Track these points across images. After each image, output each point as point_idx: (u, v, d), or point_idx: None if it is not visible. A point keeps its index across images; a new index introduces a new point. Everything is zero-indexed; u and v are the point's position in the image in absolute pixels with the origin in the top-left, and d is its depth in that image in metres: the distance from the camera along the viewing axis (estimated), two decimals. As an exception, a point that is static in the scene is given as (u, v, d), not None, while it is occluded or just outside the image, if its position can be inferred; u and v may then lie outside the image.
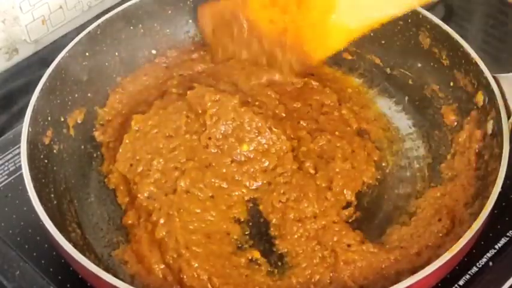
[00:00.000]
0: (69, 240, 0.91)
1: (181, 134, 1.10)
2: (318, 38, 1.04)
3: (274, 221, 1.03)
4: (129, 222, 1.03)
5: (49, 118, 1.05)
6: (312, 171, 1.07)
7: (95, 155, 1.12)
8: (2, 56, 1.33)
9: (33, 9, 1.29)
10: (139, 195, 1.04)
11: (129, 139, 1.10)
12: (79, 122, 1.12)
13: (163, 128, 1.10)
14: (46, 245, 1.00)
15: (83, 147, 1.12)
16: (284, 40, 1.07)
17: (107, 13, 1.16)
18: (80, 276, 0.95)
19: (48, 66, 1.06)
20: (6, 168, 1.11)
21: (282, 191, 1.05)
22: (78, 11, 1.37)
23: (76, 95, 1.12)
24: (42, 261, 1.00)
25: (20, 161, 0.96)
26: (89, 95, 1.15)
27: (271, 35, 1.07)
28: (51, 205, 0.98)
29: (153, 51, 1.24)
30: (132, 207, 1.04)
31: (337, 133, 1.11)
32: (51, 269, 0.99)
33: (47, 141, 1.04)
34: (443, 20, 1.12)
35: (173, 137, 1.10)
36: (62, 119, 1.09)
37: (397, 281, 0.84)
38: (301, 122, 1.14)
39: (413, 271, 0.85)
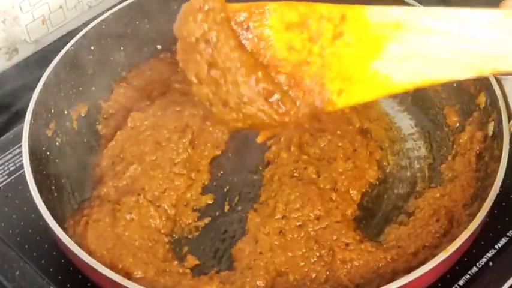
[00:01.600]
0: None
1: (169, 145, 1.09)
2: (348, 82, 0.84)
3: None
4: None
5: (52, 110, 1.06)
6: (314, 176, 1.07)
7: (97, 148, 1.12)
8: (2, 56, 1.33)
9: (33, 9, 1.29)
10: (100, 189, 1.04)
11: (122, 136, 1.10)
12: (82, 115, 1.13)
13: (157, 133, 1.09)
14: (46, 245, 1.01)
15: (85, 140, 1.12)
16: (300, 75, 0.85)
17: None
18: (80, 276, 0.95)
19: (48, 66, 1.06)
20: (6, 168, 1.11)
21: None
22: (78, 11, 1.37)
23: (80, 88, 1.13)
24: (42, 261, 1.00)
25: (20, 161, 0.96)
26: (93, 88, 1.15)
27: (285, 65, 0.85)
28: (51, 197, 0.99)
29: (158, 47, 1.24)
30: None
31: (338, 132, 1.11)
32: (51, 269, 0.99)
33: (49, 133, 1.05)
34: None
35: (160, 146, 1.08)
36: (66, 112, 1.10)
37: (393, 280, 0.84)
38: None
39: (410, 271, 0.85)
